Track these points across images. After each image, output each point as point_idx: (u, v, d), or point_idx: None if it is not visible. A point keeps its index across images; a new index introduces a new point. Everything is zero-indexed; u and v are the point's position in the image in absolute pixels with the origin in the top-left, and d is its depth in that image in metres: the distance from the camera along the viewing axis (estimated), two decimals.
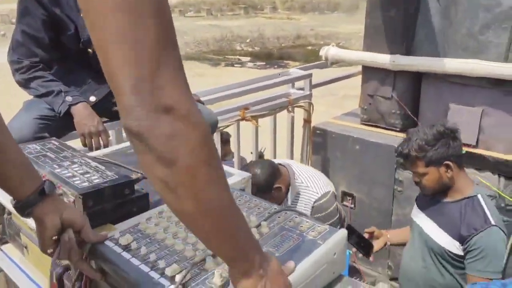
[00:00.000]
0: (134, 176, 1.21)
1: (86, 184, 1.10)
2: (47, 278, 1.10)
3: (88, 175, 1.16)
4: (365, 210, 2.90)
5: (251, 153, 3.85)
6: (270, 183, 2.15)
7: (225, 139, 3.58)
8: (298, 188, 2.25)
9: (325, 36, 20.05)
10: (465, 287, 1.79)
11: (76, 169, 1.20)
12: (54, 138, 1.47)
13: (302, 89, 3.11)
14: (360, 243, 1.98)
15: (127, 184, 1.14)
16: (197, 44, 19.56)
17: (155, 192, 1.36)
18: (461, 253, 1.79)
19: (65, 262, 1.03)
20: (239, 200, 1.09)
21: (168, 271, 0.83)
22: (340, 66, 4.89)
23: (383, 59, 2.71)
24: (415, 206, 2.06)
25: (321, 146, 3.02)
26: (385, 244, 2.11)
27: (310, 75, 3.12)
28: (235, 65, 15.45)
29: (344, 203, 2.95)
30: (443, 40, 2.55)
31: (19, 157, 0.93)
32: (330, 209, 2.23)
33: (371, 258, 2.06)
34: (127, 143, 1.70)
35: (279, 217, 1.01)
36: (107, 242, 0.93)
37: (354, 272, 2.50)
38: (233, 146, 3.02)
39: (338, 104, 7.43)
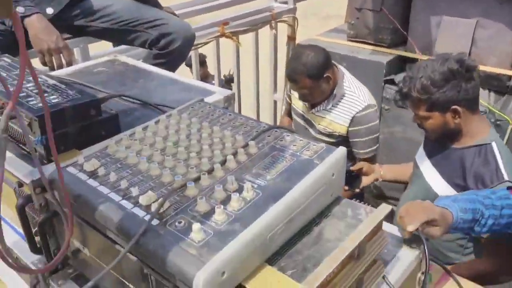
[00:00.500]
0: (100, 96, 1.05)
1: None
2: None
3: (45, 95, 1.00)
4: None
5: (229, 73, 3.67)
6: (322, 70, 1.90)
7: (202, 61, 3.39)
8: (344, 91, 2.01)
9: None
10: (465, 242, 1.57)
11: (31, 89, 1.03)
12: (7, 55, 1.28)
13: (285, 2, 2.89)
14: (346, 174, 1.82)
15: (93, 103, 0.99)
16: None
17: (126, 113, 1.23)
18: None
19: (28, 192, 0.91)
20: (223, 119, 0.96)
21: (143, 200, 0.71)
22: None
23: None
24: (422, 148, 1.76)
25: None
26: (376, 180, 1.91)
27: None
28: None
29: None
30: None
31: None
32: (372, 123, 2.00)
33: (357, 190, 1.89)
34: (95, 61, 1.52)
35: (268, 136, 0.89)
36: (69, 169, 0.80)
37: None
38: (212, 68, 2.84)
39: (321, 25, 7.12)
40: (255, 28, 2.68)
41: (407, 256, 0.95)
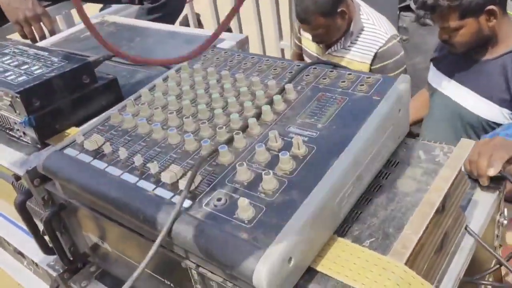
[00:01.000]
0: (92, 59, 0.87)
1: (24, 78, 0.77)
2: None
3: (26, 66, 0.82)
4: None
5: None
6: (335, 4, 1.72)
7: (197, 20, 3.15)
8: (363, 24, 1.81)
9: None
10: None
11: (8, 62, 0.86)
12: (22, 41, 1.10)
13: None
14: None
15: (84, 68, 0.82)
16: None
17: (126, 78, 1.06)
18: None
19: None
20: (245, 64, 0.77)
21: (166, 177, 0.55)
22: None
23: None
24: (434, 69, 1.63)
25: None
26: None
27: None
28: None
29: None
30: None
31: None
32: (399, 56, 1.80)
33: None
34: (81, 25, 1.33)
35: (307, 75, 0.71)
36: (68, 151, 0.63)
37: None
38: (210, 26, 2.62)
39: None
40: None
41: (486, 199, 0.80)
